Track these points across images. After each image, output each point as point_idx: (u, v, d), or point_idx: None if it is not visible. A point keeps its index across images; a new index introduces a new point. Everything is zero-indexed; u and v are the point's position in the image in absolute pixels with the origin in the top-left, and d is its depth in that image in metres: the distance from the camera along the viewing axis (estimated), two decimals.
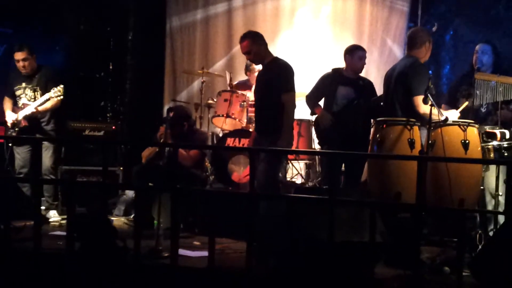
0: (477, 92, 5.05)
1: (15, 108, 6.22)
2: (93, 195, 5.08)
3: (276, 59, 5.26)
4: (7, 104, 6.29)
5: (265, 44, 5.26)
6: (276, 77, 5.11)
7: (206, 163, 6.56)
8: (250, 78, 7.02)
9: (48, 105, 6.11)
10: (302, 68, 7.23)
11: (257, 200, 4.58)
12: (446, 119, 4.71)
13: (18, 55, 6.12)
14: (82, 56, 8.27)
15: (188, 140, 6.05)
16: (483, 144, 4.80)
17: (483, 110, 5.26)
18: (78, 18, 8.31)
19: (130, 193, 6.80)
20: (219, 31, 8.36)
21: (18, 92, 6.24)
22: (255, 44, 5.20)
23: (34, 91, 6.22)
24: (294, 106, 5.15)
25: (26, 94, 6.21)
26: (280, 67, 5.17)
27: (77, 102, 6.21)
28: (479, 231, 4.61)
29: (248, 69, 6.99)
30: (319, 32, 8.12)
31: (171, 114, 5.59)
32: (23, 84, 6.24)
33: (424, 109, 4.89)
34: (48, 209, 6.27)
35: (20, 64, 6.14)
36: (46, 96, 6.02)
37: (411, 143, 4.79)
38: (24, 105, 6.12)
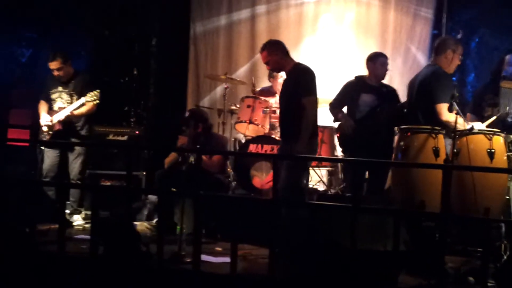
0: (503, 100, 4.99)
1: (50, 111, 6.21)
2: (117, 200, 5.10)
3: (297, 65, 5.25)
4: (43, 106, 6.26)
5: (284, 52, 5.23)
6: (296, 83, 5.10)
7: (228, 169, 6.57)
8: (273, 84, 7.02)
9: (83, 109, 6.12)
10: (325, 74, 7.23)
11: (280, 207, 4.57)
12: (472, 127, 4.67)
13: (52, 65, 6.11)
14: (106, 61, 8.34)
15: (207, 145, 6.05)
16: (509, 153, 4.73)
17: (509, 119, 5.19)
18: (102, 23, 8.39)
19: (152, 198, 6.83)
20: (242, 37, 8.38)
21: (54, 96, 6.25)
22: (271, 54, 5.20)
23: (71, 95, 6.22)
24: (314, 110, 5.09)
25: (62, 98, 6.22)
26: (299, 72, 5.16)
27: (101, 106, 6.25)
28: (504, 241, 4.55)
29: (271, 76, 6.98)
30: (342, 39, 8.10)
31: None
32: (60, 88, 6.24)
33: (446, 117, 4.85)
34: (72, 213, 6.27)
35: (55, 73, 6.15)
36: (82, 100, 6.03)
37: (436, 152, 4.73)
38: (60, 108, 6.13)
